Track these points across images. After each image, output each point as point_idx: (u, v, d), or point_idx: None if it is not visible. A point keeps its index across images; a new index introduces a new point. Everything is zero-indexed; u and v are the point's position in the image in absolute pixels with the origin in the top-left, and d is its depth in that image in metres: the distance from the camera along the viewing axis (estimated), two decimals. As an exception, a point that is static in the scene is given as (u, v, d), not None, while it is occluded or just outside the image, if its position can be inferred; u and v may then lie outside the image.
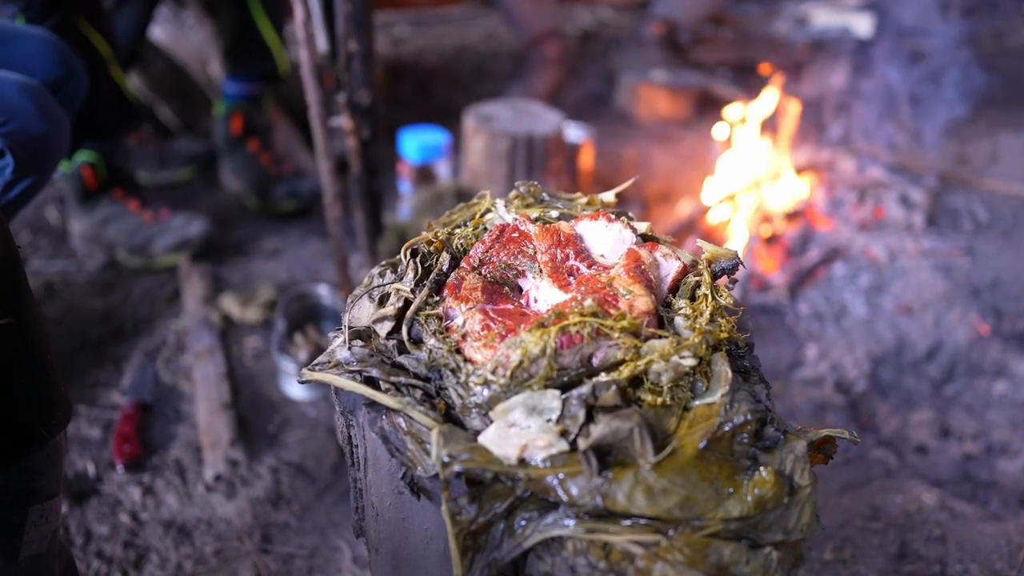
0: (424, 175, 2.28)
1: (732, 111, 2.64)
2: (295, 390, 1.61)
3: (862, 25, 3.67)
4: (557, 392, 0.71)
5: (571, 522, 0.67)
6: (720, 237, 2.41)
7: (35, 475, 0.87)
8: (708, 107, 3.33)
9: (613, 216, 0.89)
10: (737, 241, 2.37)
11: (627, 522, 0.67)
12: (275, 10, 2.36)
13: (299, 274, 2.05)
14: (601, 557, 0.66)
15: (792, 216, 2.48)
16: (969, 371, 2.27)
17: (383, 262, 0.92)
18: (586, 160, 2.51)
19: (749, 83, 3.66)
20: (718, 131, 2.67)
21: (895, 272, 2.37)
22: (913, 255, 2.40)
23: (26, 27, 1.50)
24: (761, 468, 0.71)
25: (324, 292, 1.74)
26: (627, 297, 0.77)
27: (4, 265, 0.84)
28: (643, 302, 0.77)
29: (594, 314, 0.74)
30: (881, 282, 2.35)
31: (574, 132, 2.42)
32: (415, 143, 2.26)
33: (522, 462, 0.68)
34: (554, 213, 0.93)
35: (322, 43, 1.72)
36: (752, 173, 2.53)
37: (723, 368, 0.75)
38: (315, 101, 1.58)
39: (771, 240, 2.42)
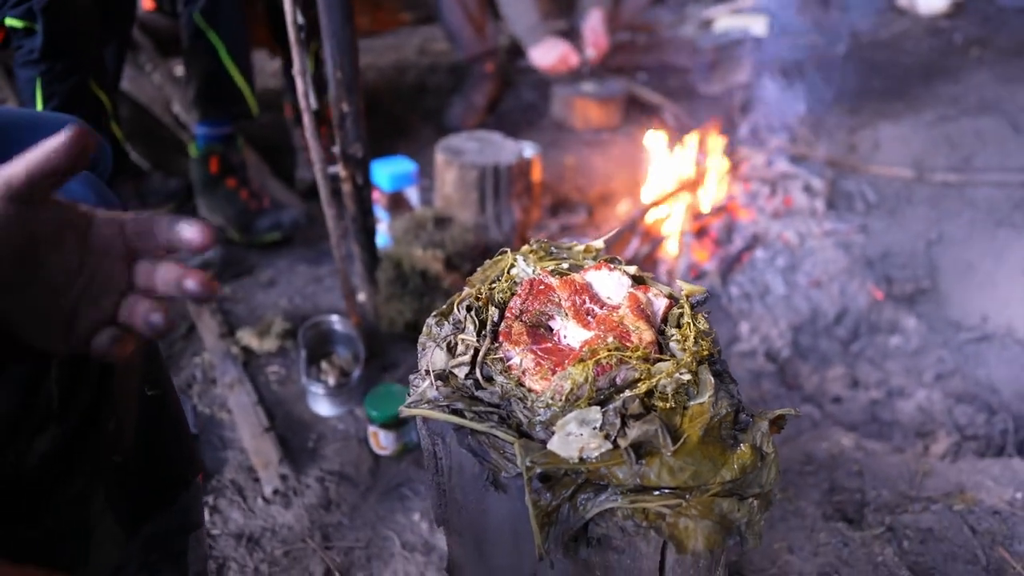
0: (396, 202, 2.50)
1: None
2: (323, 409, 1.82)
3: (758, 26, 4.03)
4: (598, 407, 0.97)
5: (618, 497, 0.94)
6: (658, 233, 2.72)
7: (187, 511, 1.09)
8: (633, 110, 3.64)
9: (612, 265, 1.16)
10: (673, 236, 2.68)
11: (657, 492, 0.94)
12: (242, 56, 2.50)
13: (298, 302, 2.25)
14: (642, 519, 0.93)
15: (717, 210, 2.81)
16: (869, 330, 2.67)
17: (435, 313, 1.16)
18: (536, 173, 2.76)
19: (664, 83, 3.99)
20: (649, 140, 2.97)
21: (805, 252, 2.73)
22: (819, 236, 2.77)
23: (54, 114, 1.64)
24: (741, 444, 0.99)
25: (335, 320, 1.95)
26: (636, 331, 1.04)
27: (148, 344, 1.05)
28: (648, 335, 1.04)
29: (617, 348, 1.01)
30: (795, 262, 2.71)
31: (526, 150, 2.67)
32: (386, 173, 2.46)
33: (581, 460, 0.94)
34: (565, 265, 1.19)
35: (313, 103, 1.90)
36: (681, 175, 2.84)
37: (707, 377, 1.03)
38: (318, 158, 1.79)
39: (701, 233, 2.75)
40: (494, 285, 1.17)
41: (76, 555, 0.96)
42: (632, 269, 1.18)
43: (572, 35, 3.68)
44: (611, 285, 1.13)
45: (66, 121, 1.61)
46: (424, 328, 1.16)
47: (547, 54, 3.43)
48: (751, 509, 0.97)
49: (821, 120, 3.38)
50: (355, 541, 1.56)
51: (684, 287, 1.12)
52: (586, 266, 1.18)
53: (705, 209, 2.79)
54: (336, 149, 1.86)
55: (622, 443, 0.94)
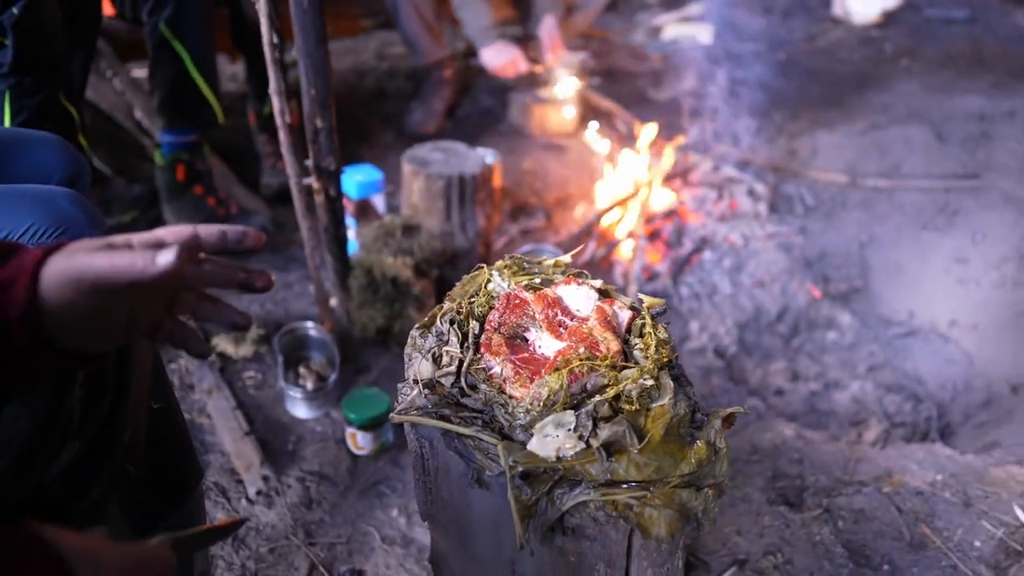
0: (363, 209, 2.56)
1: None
2: (301, 412, 1.89)
3: (704, 34, 4.20)
4: (572, 411, 1.08)
5: (591, 491, 1.04)
6: (613, 237, 2.85)
7: (192, 514, 1.16)
8: (587, 117, 3.75)
9: (580, 280, 1.26)
10: (627, 240, 2.81)
11: (625, 486, 1.05)
12: (208, 65, 2.53)
13: (270, 308, 2.30)
14: (612, 509, 1.04)
15: (668, 214, 2.95)
16: (808, 326, 2.85)
17: (418, 325, 1.25)
18: (496, 179, 2.86)
19: (615, 89, 4.12)
20: (602, 147, 3.09)
21: (749, 254, 2.90)
22: (762, 238, 2.93)
23: (35, 132, 1.66)
24: (697, 441, 1.11)
25: (310, 326, 2.02)
26: (603, 341, 1.15)
27: (154, 361, 1.12)
28: (615, 344, 1.15)
29: (588, 357, 1.12)
30: (740, 263, 2.87)
31: (487, 157, 2.77)
32: (354, 181, 2.53)
33: (558, 458, 1.04)
34: (538, 280, 1.29)
35: (288, 118, 1.96)
36: (633, 181, 2.97)
37: (667, 381, 1.14)
38: (293, 172, 1.85)
39: (653, 236, 2.89)
40: (473, 299, 1.26)
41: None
42: (598, 283, 1.29)
43: (527, 41, 3.78)
44: (580, 299, 1.24)
45: (46, 139, 1.64)
46: (409, 340, 1.25)
47: (497, 56, 3.52)
48: (707, 498, 1.10)
49: (764, 126, 3.55)
50: (337, 537, 1.65)
51: (645, 300, 1.24)
52: (556, 281, 1.28)
53: (656, 211, 2.93)
54: (309, 162, 1.92)
55: (594, 443, 1.05)
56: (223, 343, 2.05)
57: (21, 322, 0.66)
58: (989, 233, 2.80)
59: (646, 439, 1.07)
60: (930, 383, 2.64)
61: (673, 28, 4.29)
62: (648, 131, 3.12)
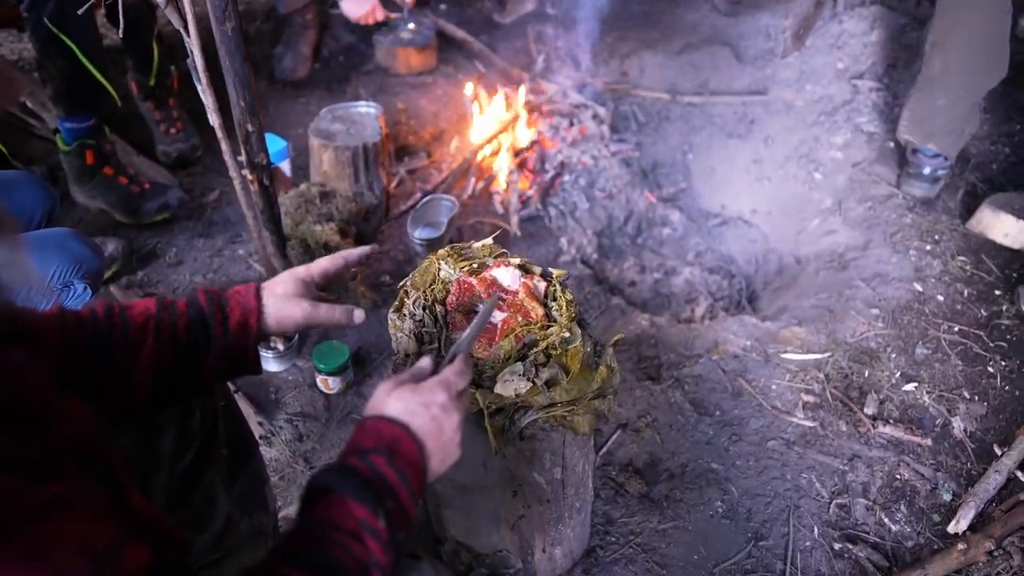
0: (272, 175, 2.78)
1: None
2: (272, 367, 2.23)
3: (537, -45, 4.42)
4: (520, 363, 1.55)
5: (539, 412, 1.54)
6: (489, 170, 3.24)
7: (257, 472, 1.55)
8: (444, 47, 3.97)
9: (507, 262, 1.70)
10: (502, 171, 3.21)
11: (560, 405, 1.56)
12: (98, 53, 2.55)
13: (212, 276, 2.54)
14: (554, 421, 1.55)
15: (532, 144, 3.36)
16: (648, 226, 3.44)
17: (392, 308, 1.65)
18: (383, 127, 3.11)
19: (463, 13, 4.33)
20: (468, 89, 3.40)
21: (598, 171, 3.39)
22: (607, 157, 3.43)
23: (8, 172, 1.77)
24: (600, 366, 1.63)
25: (263, 295, 2.32)
26: (532, 309, 1.62)
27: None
28: (540, 311, 1.61)
29: (525, 324, 1.58)
30: (592, 180, 3.36)
31: (372, 109, 3.01)
32: (260, 151, 2.72)
33: (516, 395, 1.53)
34: (475, 264, 1.71)
35: (216, 122, 2.15)
36: (500, 118, 3.33)
37: (577, 329, 1.63)
38: (236, 173, 2.09)
39: (521, 166, 3.30)
40: (432, 286, 1.67)
41: (208, 515, 1.42)
42: (517, 260, 1.73)
43: None
44: (509, 277, 1.68)
45: (21, 178, 1.79)
46: (389, 322, 1.64)
47: (357, 7, 3.64)
48: (610, 402, 1.63)
49: (598, 49, 3.96)
50: (328, 459, 2.07)
51: (555, 272, 1.70)
52: (489, 264, 1.71)
53: (521, 144, 3.33)
54: (243, 158, 2.16)
55: (538, 382, 1.53)
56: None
57: (254, 342, 1.12)
58: (776, 138, 3.46)
59: (570, 373, 1.57)
60: (739, 260, 3.34)
61: (509, -51, 4.47)
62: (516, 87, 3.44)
